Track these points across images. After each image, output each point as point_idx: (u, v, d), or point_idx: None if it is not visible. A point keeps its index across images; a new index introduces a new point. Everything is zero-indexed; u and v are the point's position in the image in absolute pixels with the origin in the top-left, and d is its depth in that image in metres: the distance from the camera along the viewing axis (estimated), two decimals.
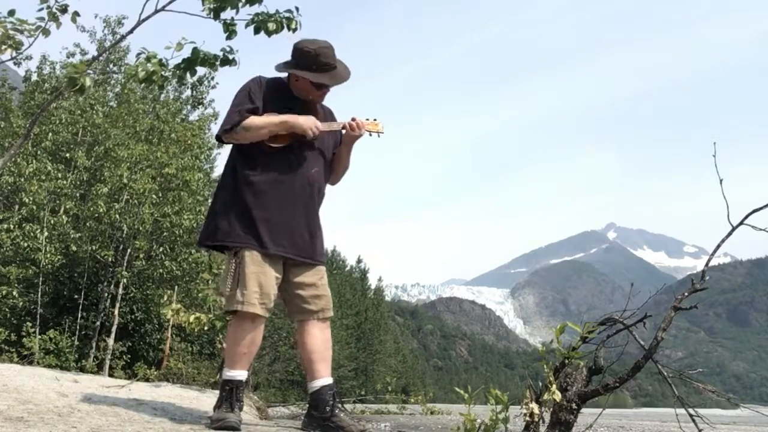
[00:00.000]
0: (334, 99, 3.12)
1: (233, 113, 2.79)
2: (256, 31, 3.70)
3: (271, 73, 2.98)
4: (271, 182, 2.78)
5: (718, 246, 2.87)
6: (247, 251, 2.71)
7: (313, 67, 2.81)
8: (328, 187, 3.11)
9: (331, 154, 3.04)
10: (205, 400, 3.86)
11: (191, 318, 5.66)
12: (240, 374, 2.73)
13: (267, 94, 2.87)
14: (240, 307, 2.68)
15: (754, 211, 2.81)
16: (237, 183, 2.81)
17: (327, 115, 3.04)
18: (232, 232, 2.73)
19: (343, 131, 2.98)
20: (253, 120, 2.77)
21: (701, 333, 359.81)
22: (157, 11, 3.77)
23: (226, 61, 3.84)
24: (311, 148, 2.89)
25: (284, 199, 2.78)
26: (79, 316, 10.63)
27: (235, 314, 2.75)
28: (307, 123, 2.79)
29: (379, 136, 3.00)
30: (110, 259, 10.62)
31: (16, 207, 10.40)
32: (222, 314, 5.26)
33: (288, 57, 2.92)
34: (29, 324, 9.66)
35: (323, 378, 2.81)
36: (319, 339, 2.85)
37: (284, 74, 2.96)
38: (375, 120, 2.97)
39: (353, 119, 2.93)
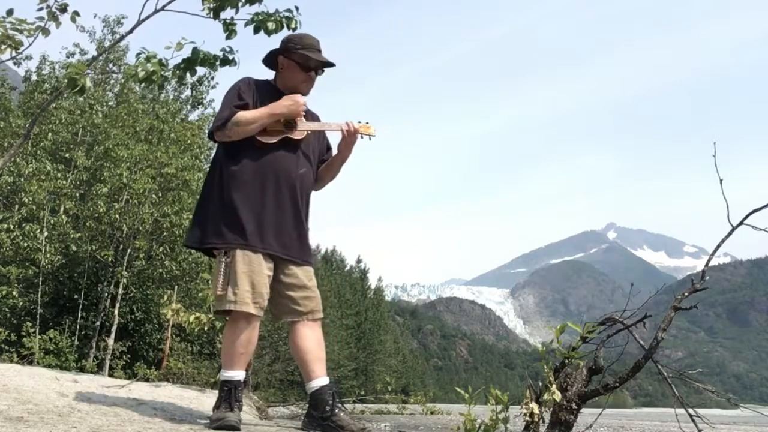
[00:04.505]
0: (336, 97, 3.11)
1: (224, 110, 2.79)
2: (256, 31, 3.70)
3: (265, 75, 3.00)
4: (257, 180, 2.75)
5: (718, 246, 2.87)
6: (238, 250, 2.68)
7: (299, 47, 2.88)
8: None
9: (318, 159, 3.03)
10: (205, 400, 3.86)
11: (191, 318, 5.65)
12: (238, 374, 2.73)
13: (256, 93, 2.87)
14: (233, 307, 2.66)
15: (754, 211, 2.80)
16: (223, 180, 2.77)
17: (315, 121, 3.03)
18: (220, 233, 2.70)
19: (339, 134, 2.97)
20: (244, 114, 2.76)
21: (701, 333, 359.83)
22: (157, 11, 3.77)
23: (226, 61, 3.84)
24: (298, 149, 2.87)
25: (271, 197, 2.75)
26: (79, 316, 10.63)
27: (229, 314, 2.74)
28: (291, 101, 2.81)
29: (370, 138, 2.98)
30: (110, 259, 10.62)
31: (16, 207, 10.40)
32: (214, 314, 5.25)
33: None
34: (29, 324, 9.66)
35: (320, 378, 2.80)
36: (311, 339, 2.83)
37: (271, 76, 2.99)
38: (367, 123, 2.96)
39: (347, 123, 2.92)
